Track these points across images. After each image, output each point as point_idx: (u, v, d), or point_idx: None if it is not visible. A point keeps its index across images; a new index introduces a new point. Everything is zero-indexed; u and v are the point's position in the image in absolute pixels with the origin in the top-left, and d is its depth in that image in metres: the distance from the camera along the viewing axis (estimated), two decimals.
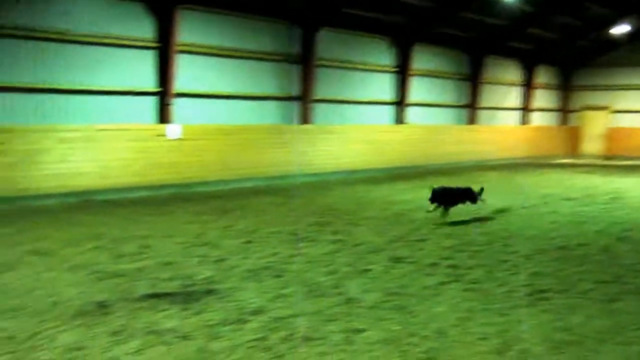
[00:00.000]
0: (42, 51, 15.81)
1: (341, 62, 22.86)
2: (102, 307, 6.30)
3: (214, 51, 19.11)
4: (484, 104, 29.98)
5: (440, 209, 11.84)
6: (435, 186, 11.91)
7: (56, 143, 14.99)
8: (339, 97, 23.00)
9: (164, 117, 17.64)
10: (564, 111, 36.15)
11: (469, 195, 12.25)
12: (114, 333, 5.56)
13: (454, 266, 8.38)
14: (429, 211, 11.90)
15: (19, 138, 14.53)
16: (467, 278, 7.75)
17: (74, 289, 6.99)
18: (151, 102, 17.74)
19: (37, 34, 15.54)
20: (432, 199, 11.60)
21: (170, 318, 5.99)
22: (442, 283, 7.49)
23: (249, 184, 18.25)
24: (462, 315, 6.26)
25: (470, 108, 29.16)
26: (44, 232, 10.52)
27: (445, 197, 11.73)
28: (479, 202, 12.38)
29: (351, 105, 23.53)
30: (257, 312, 6.21)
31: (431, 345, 5.40)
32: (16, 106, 15.30)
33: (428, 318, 6.14)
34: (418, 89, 26.07)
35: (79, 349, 5.19)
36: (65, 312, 6.15)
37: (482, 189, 12.58)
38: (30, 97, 15.58)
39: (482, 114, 30.11)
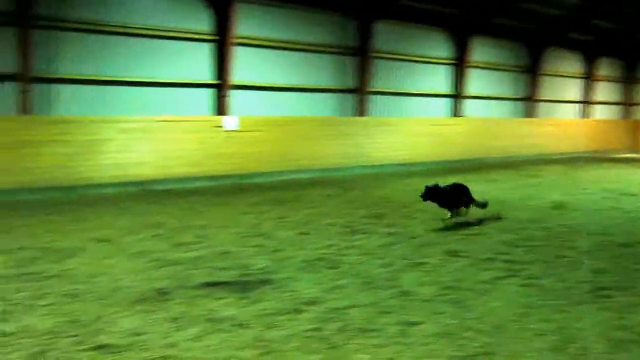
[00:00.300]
0: (104, 44, 16.20)
1: (398, 54, 22.71)
2: (162, 294, 6.41)
3: (271, 43, 19.22)
4: (543, 96, 29.35)
5: (452, 212, 10.85)
6: (430, 184, 10.74)
7: (117, 133, 15.34)
8: (396, 89, 22.87)
9: (221, 108, 17.88)
10: (627, 104, 35.07)
11: (462, 195, 11.05)
12: (174, 319, 5.65)
13: (510, 261, 8.21)
14: (444, 220, 10.86)
15: (82, 128, 14.93)
16: (525, 273, 7.58)
17: (134, 276, 7.13)
18: (209, 94, 17.98)
19: (100, 27, 15.94)
20: (425, 197, 10.52)
21: (227, 306, 6.06)
22: (499, 278, 7.35)
23: (304, 176, 18.33)
24: (520, 310, 6.13)
25: (529, 101, 28.60)
26: (105, 221, 10.79)
27: (438, 195, 10.55)
28: (474, 206, 11.16)
29: (408, 98, 23.37)
30: (312, 302, 6.23)
31: (487, 340, 5.31)
32: (80, 97, 15.74)
33: (484, 313, 6.04)
34: (476, 82, 25.69)
35: (139, 334, 5.30)
36: (126, 298, 6.29)
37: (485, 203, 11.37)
38: (93, 88, 16.00)
39: (541, 107, 29.49)
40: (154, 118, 16.21)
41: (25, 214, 11.29)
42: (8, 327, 5.40)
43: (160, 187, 15.33)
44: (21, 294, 6.36)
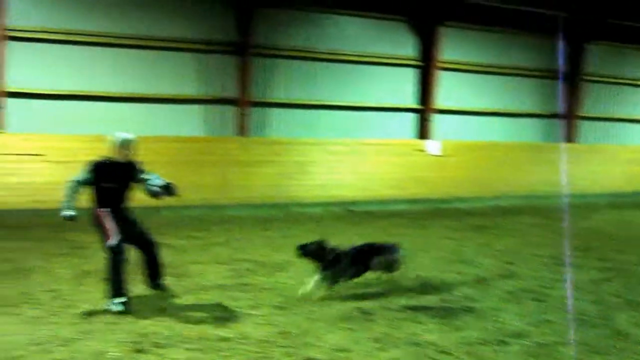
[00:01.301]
0: (314, 70, 17.09)
1: (610, 77, 21.28)
2: (365, 314, 6.59)
3: (474, 68, 19.03)
4: None
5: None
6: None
7: (324, 155, 16.06)
8: (608, 115, 21.42)
9: (423, 133, 18.01)
10: None
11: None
12: (377, 340, 5.79)
13: None
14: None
15: (292, 150, 15.84)
16: None
17: (337, 294, 7.38)
18: (412, 119, 18.21)
19: (311, 55, 16.85)
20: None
21: (429, 331, 6.08)
22: None
23: (506, 203, 17.79)
24: None
25: None
26: (311, 238, 11.24)
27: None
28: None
29: (620, 124, 21.77)
30: (518, 335, 6.04)
31: None
32: (291, 120, 16.75)
33: None
34: None
35: (344, 350, 5.50)
36: (331, 314, 6.55)
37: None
38: (303, 112, 16.94)
39: None
40: (359, 141, 16.75)
41: (243, 229, 12.25)
42: (226, 333, 5.87)
43: (362, 208, 15.76)
44: (238, 302, 6.89)
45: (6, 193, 13.43)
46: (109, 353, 5.28)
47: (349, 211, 15.43)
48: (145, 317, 6.25)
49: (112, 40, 15.39)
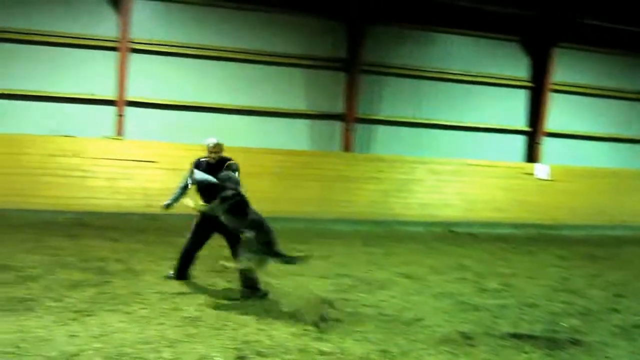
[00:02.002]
0: (421, 88, 17.04)
1: None
2: (466, 338, 6.44)
3: (588, 90, 18.39)
4: None
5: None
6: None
7: (427, 174, 15.94)
8: None
9: (532, 156, 17.54)
10: None
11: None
12: None
13: None
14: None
15: (396, 167, 15.83)
16: None
17: (439, 316, 7.27)
18: (521, 141, 17.76)
19: (419, 73, 16.82)
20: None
21: None
22: None
23: (620, 232, 16.94)
24: None
25: None
26: (412, 257, 11.24)
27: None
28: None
29: None
30: None
31: None
32: (395, 138, 16.74)
33: None
34: None
35: None
36: (431, 336, 6.45)
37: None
38: (408, 130, 16.90)
39: None
40: (464, 161, 16.52)
41: (345, 244, 12.32)
42: (327, 347, 5.89)
43: (465, 229, 15.47)
44: (339, 317, 6.91)
45: (122, 197, 14.16)
46: (214, 358, 5.43)
47: (451, 232, 15.19)
48: (247, 325, 6.37)
49: (225, 54, 15.98)
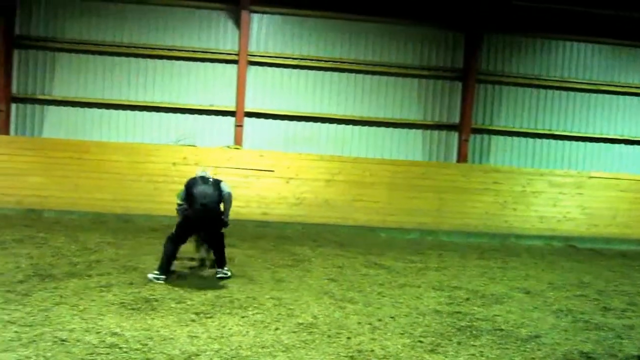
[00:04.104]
0: (541, 98, 16.54)
1: None
2: (588, 359, 6.22)
3: None
4: None
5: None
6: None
7: (547, 187, 15.44)
8: None
9: None
10: None
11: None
12: None
13: None
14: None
15: (514, 179, 15.43)
16: None
17: (559, 334, 7.05)
18: None
19: (537, 82, 16.38)
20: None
21: None
22: None
23: None
24: None
25: None
26: (530, 271, 10.93)
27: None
28: None
29: None
30: None
31: None
32: (512, 149, 16.36)
33: None
34: None
35: None
36: (550, 355, 6.26)
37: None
38: (526, 141, 16.49)
39: None
40: (587, 174, 15.85)
41: (459, 256, 12.18)
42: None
43: (586, 245, 14.85)
44: (453, 330, 6.86)
45: (239, 204, 14.68)
46: None
47: (571, 247, 14.62)
48: (361, 334, 6.45)
49: (341, 65, 16.23)
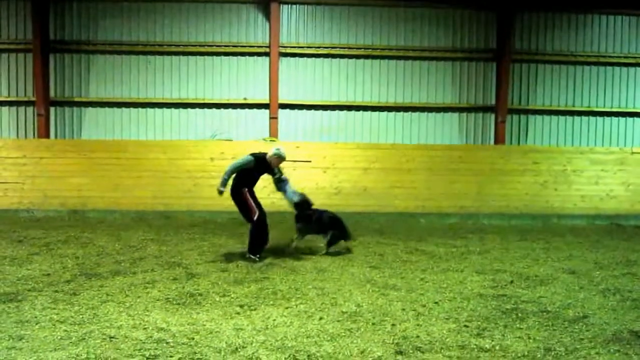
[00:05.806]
0: (577, 74, 16.24)
1: None
2: (638, 337, 6.10)
3: None
4: None
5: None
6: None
7: (588, 165, 15.15)
8: None
9: None
10: None
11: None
12: None
13: None
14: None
15: (553, 158, 15.17)
16: None
17: (607, 314, 6.93)
18: None
19: (573, 58, 16.10)
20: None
21: None
22: None
23: None
24: None
25: None
26: (574, 252, 10.76)
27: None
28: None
29: None
30: None
31: None
32: (552, 128, 16.09)
33: None
34: None
35: None
36: (599, 335, 6.16)
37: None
38: (564, 119, 16.18)
39: None
40: (629, 150, 15.50)
41: (501, 238, 12.07)
42: (487, 344, 5.80)
43: (631, 222, 14.56)
44: (499, 313, 6.79)
45: (277, 196, 14.73)
46: (373, 352, 5.53)
47: (616, 225, 14.34)
48: (405, 321, 6.42)
49: (373, 52, 16.15)
